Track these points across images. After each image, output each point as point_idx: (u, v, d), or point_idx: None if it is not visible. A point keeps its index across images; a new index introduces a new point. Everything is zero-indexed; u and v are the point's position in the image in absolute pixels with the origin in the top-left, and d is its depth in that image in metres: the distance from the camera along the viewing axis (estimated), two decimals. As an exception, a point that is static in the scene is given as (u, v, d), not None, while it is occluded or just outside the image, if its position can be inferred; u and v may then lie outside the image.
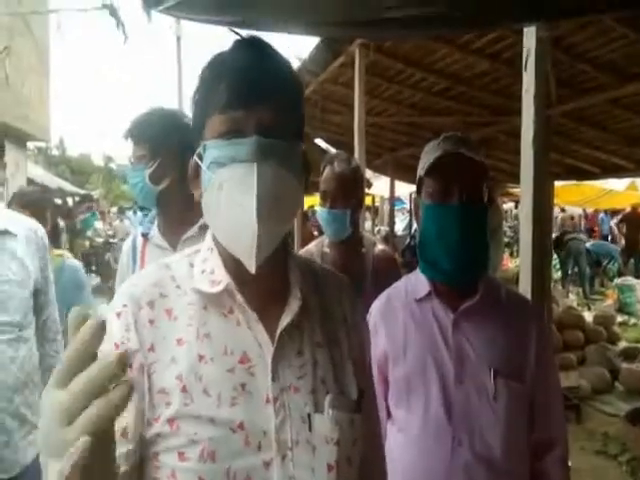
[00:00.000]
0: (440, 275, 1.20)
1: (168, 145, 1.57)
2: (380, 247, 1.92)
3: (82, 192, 17.10)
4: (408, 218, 14.14)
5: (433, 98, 5.43)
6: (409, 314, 1.25)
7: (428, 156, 1.21)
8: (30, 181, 9.56)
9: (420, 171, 1.22)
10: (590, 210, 14.03)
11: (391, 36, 2.91)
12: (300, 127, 0.78)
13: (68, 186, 16.13)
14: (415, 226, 13.30)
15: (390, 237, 9.60)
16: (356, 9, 1.53)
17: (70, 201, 15.22)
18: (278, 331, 0.74)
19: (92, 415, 0.44)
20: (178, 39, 15.32)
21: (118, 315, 0.73)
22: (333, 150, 10.27)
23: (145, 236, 1.64)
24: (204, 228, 1.55)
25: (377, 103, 5.94)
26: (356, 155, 4.73)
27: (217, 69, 0.74)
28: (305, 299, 0.77)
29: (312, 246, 1.94)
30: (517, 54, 4.22)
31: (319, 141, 8.70)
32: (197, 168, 0.76)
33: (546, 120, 2.35)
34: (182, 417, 0.69)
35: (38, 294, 1.76)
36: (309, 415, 0.73)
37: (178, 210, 1.60)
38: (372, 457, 0.86)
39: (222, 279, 0.75)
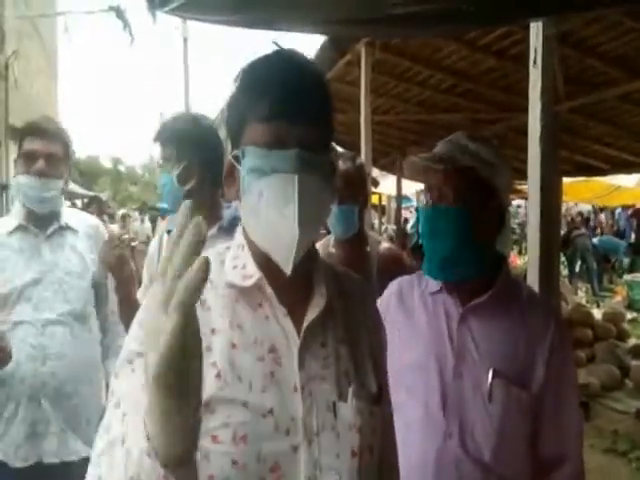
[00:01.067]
0: (440, 276, 1.22)
1: (194, 147, 1.65)
2: (385, 245, 1.92)
3: (90, 194, 17.17)
4: (416, 216, 14.15)
5: (440, 95, 5.42)
6: (422, 304, 1.27)
7: (419, 159, 1.22)
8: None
9: (407, 174, 1.26)
10: (599, 206, 13.94)
11: (397, 34, 2.91)
12: (332, 138, 0.82)
13: (77, 188, 16.24)
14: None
15: (397, 235, 9.59)
16: (361, 7, 1.54)
17: (79, 203, 15.34)
18: (304, 325, 0.78)
19: (180, 290, 0.50)
20: (185, 40, 15.38)
21: None
22: (340, 149, 10.27)
23: (170, 233, 1.71)
24: (223, 229, 1.64)
25: (384, 101, 5.94)
26: (362, 154, 4.73)
27: (258, 78, 0.77)
28: (329, 298, 0.81)
29: (318, 246, 1.95)
30: (524, 50, 4.21)
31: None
32: (233, 169, 0.80)
33: (554, 116, 2.34)
34: (217, 401, 0.72)
35: (98, 287, 1.89)
36: (334, 403, 0.77)
37: (202, 210, 1.63)
38: (388, 449, 0.90)
39: (253, 274, 0.79)
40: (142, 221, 13.37)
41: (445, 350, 1.19)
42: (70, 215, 1.89)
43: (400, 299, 1.30)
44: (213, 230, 1.63)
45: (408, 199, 14.95)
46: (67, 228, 1.84)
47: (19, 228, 1.78)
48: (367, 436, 0.78)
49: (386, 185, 11.95)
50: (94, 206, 13.66)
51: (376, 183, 11.63)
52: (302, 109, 0.74)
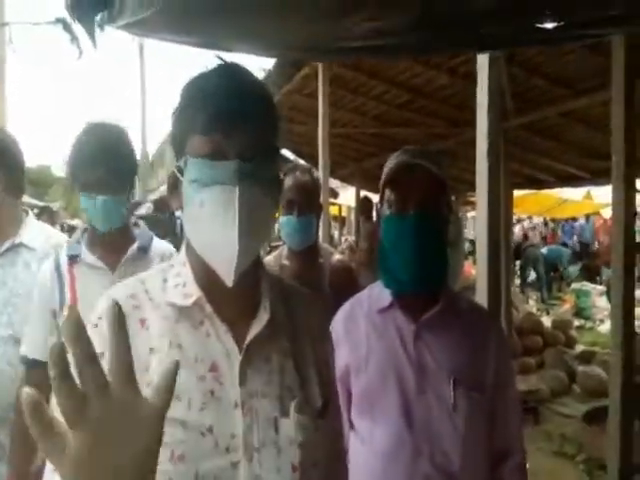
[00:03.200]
0: (398, 286, 1.22)
1: None
2: (337, 257, 1.94)
3: (41, 204, 16.49)
4: (375, 227, 14.27)
5: (396, 110, 5.55)
6: (371, 325, 1.25)
7: (388, 166, 1.23)
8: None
9: (381, 181, 1.24)
10: (548, 218, 14.51)
11: (350, 59, 2.96)
12: (276, 148, 0.82)
13: (26, 198, 15.63)
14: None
15: (356, 246, 9.66)
16: (316, 36, 1.56)
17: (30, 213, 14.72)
18: (247, 340, 0.78)
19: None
20: (141, 48, 15.15)
21: (95, 325, 0.77)
22: (300, 160, 10.31)
23: (74, 258, 1.55)
24: (142, 249, 1.59)
25: (342, 114, 6.03)
26: (320, 165, 4.78)
27: (199, 91, 0.78)
28: (274, 312, 0.81)
29: (270, 258, 1.95)
30: (473, 68, 4.38)
31: (284, 151, 8.75)
32: (176, 180, 0.81)
33: (501, 132, 2.44)
34: None
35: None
36: (275, 419, 0.77)
37: (117, 229, 1.58)
38: (334, 464, 0.90)
39: (193, 292, 0.79)
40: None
41: (404, 368, 1.18)
42: (31, 231, 1.76)
43: (346, 325, 1.28)
44: (131, 252, 1.56)
45: (367, 210, 15.11)
46: (22, 245, 1.72)
47: None
48: (309, 450, 0.78)
49: (345, 196, 12.08)
50: (45, 216, 13.13)
51: (335, 194, 11.74)
52: (241, 121, 0.75)
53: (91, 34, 1.19)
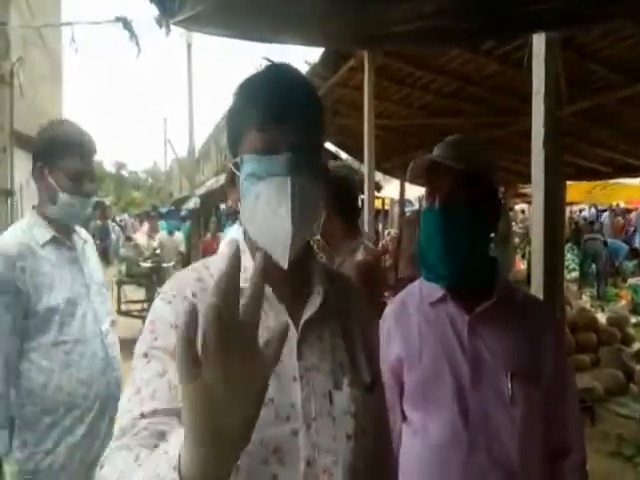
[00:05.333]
0: (436, 280, 1.22)
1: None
2: (359, 255, 1.90)
3: (95, 199, 16.95)
4: (419, 221, 14.10)
5: (443, 100, 5.43)
6: (423, 317, 1.25)
7: (419, 161, 1.24)
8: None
9: (407, 177, 1.27)
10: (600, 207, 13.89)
11: (398, 47, 2.91)
12: (323, 142, 0.91)
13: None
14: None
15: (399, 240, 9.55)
16: (364, 24, 1.55)
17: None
18: (303, 319, 0.86)
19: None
20: (189, 46, 15.43)
21: (169, 302, 0.85)
22: (343, 154, 10.27)
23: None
24: None
25: (387, 106, 5.95)
26: (365, 158, 4.74)
27: (252, 91, 0.86)
28: (326, 296, 0.89)
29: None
30: (525, 55, 4.22)
31: (328, 145, 8.72)
32: (233, 177, 0.88)
33: (556, 121, 2.35)
34: None
35: None
36: (330, 391, 0.84)
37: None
38: (382, 435, 0.99)
39: None
40: (170, 232, 9.80)
41: (458, 360, 1.17)
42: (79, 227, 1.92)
43: (398, 318, 1.29)
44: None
45: (411, 203, 14.96)
46: (85, 241, 1.89)
47: (53, 240, 1.73)
48: (361, 421, 0.85)
49: (389, 189, 11.97)
50: (98, 211, 13.59)
51: (379, 187, 11.62)
52: (291, 117, 0.82)
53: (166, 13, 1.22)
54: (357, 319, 0.95)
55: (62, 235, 1.77)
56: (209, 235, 7.81)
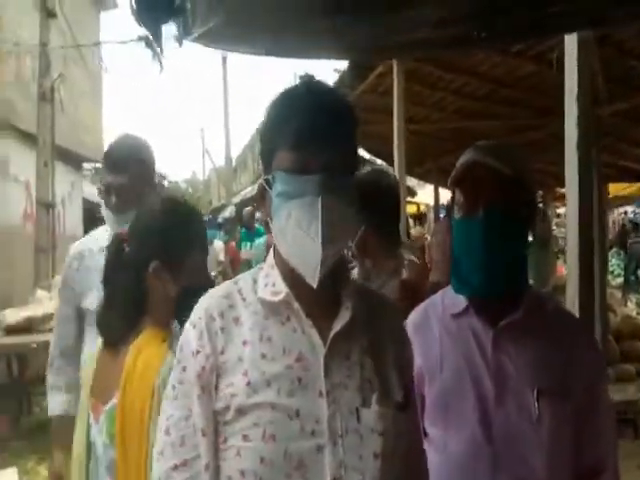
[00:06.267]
0: (468, 290, 1.16)
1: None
2: (412, 259, 1.82)
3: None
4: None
5: (477, 103, 5.32)
6: (445, 330, 1.19)
7: (456, 166, 1.18)
8: (86, 200, 10.00)
9: (449, 181, 1.19)
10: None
11: (422, 55, 2.86)
12: (357, 160, 0.91)
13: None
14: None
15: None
16: (387, 33, 1.51)
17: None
18: (330, 335, 0.85)
19: None
20: (224, 59, 15.72)
21: (194, 326, 0.88)
22: (376, 160, 10.21)
23: None
24: None
25: (419, 110, 5.87)
26: (396, 163, 4.69)
27: (286, 109, 0.86)
28: (355, 312, 0.88)
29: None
30: (561, 54, 4.09)
31: (361, 152, 8.68)
32: (264, 192, 0.89)
33: (593, 121, 2.25)
34: (248, 406, 0.81)
35: None
36: (357, 409, 0.83)
37: None
38: (415, 455, 0.96)
39: (282, 290, 0.87)
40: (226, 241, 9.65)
41: (481, 376, 1.12)
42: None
43: (418, 329, 1.22)
44: None
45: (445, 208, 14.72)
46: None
47: None
48: (390, 440, 0.84)
49: (423, 194, 11.82)
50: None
51: (413, 193, 11.50)
52: (325, 137, 0.82)
53: (157, 39, 1.22)
54: (390, 336, 0.93)
55: None
56: (232, 242, 7.89)
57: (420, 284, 1.83)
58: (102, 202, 1.79)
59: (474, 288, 1.14)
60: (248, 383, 0.82)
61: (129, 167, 1.75)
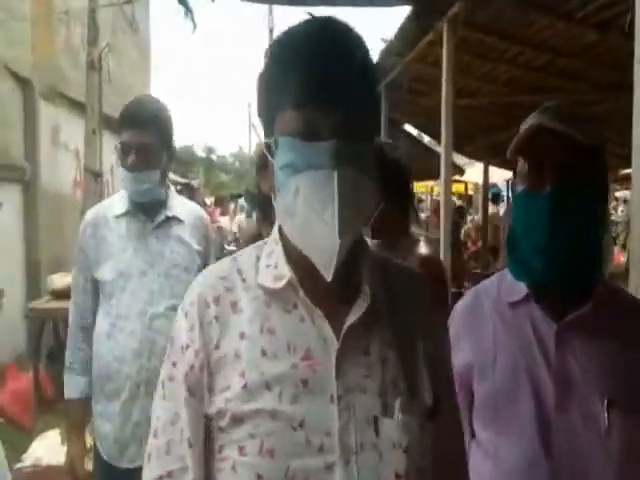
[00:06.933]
0: (529, 277, 1.01)
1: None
2: (422, 249, 1.69)
3: (182, 181, 17.55)
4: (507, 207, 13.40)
5: (532, 74, 4.96)
6: (500, 320, 1.05)
7: (520, 131, 1.01)
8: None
9: (510, 148, 1.02)
10: None
11: None
12: (377, 122, 0.75)
13: (170, 175, 16.85)
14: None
15: (482, 227, 9.11)
16: None
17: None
18: (345, 327, 0.71)
19: None
20: (270, 31, 15.54)
21: (186, 315, 0.76)
22: (425, 137, 9.88)
23: None
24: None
25: (469, 82, 5.55)
26: (442, 139, 4.45)
27: (288, 55, 0.69)
28: (375, 297, 0.73)
29: None
30: (632, 22, 3.72)
31: (408, 127, 8.40)
32: (266, 161, 0.73)
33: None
34: (243, 413, 0.69)
35: None
36: (376, 418, 0.69)
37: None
38: (449, 472, 0.79)
39: (285, 274, 0.73)
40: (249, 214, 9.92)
41: (541, 377, 0.97)
42: (177, 205, 1.83)
43: (468, 318, 1.09)
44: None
45: (499, 188, 14.17)
46: (174, 218, 1.79)
47: (127, 214, 1.75)
48: (416, 456, 0.69)
49: (472, 173, 11.39)
50: (185, 193, 14.06)
51: (462, 171, 11.13)
52: (338, 92, 0.65)
53: None
54: (420, 324, 0.78)
55: (138, 209, 1.75)
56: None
57: (438, 263, 1.76)
58: (118, 162, 1.73)
59: (536, 275, 0.99)
60: (245, 386, 0.70)
61: (150, 126, 1.68)
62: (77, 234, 1.78)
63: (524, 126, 1.02)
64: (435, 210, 11.60)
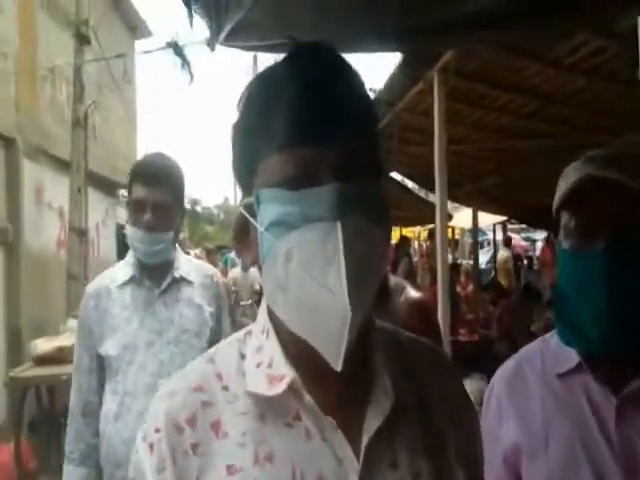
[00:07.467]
0: (584, 344, 0.89)
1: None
2: (410, 293, 1.56)
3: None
4: (492, 250, 13.46)
5: (522, 121, 5.03)
6: (549, 393, 0.93)
7: (565, 182, 0.91)
8: (120, 226, 10.04)
9: (555, 202, 0.93)
10: None
11: (472, 41, 2.59)
12: (381, 160, 0.59)
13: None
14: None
15: (473, 270, 9.07)
16: (438, 10, 1.30)
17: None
18: (364, 440, 0.55)
19: None
20: (254, 58, 15.76)
21: (151, 447, 0.57)
22: (409, 184, 9.95)
23: None
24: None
25: (458, 130, 5.60)
26: (437, 186, 4.42)
27: (273, 91, 0.55)
28: (397, 391, 0.58)
29: None
30: (618, 68, 3.80)
31: (395, 175, 8.44)
32: (247, 225, 0.59)
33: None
34: None
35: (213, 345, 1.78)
36: None
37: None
38: None
39: (285, 374, 0.57)
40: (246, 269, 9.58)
41: (603, 458, 0.85)
42: (184, 264, 1.72)
43: (512, 390, 0.97)
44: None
45: (483, 233, 14.29)
46: (182, 280, 1.67)
47: (132, 280, 1.64)
48: None
49: (459, 218, 11.47)
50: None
51: (450, 217, 11.17)
52: (337, 126, 0.53)
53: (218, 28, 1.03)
54: (447, 410, 0.64)
55: (144, 273, 1.63)
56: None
57: (429, 305, 1.69)
58: (129, 221, 1.62)
59: (593, 342, 0.88)
60: None
61: (166, 183, 1.59)
62: (61, 296, 1.70)
63: (569, 179, 0.92)
64: (423, 255, 11.61)
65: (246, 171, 0.58)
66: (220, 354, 0.62)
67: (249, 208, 0.57)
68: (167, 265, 1.67)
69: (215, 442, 0.56)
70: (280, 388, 0.56)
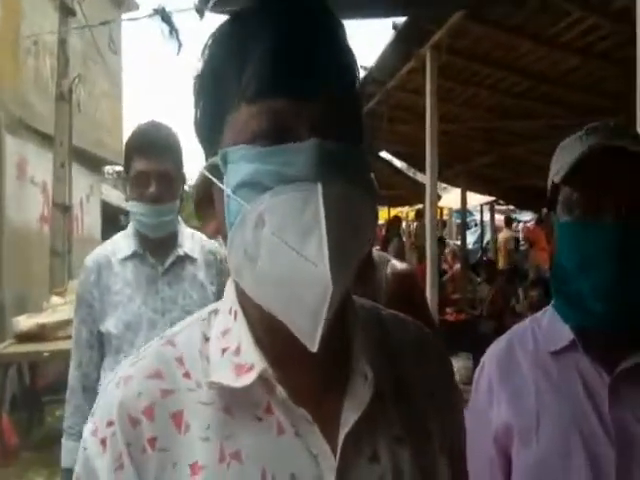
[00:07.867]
0: (587, 320, 0.87)
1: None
2: (395, 265, 1.55)
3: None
4: (479, 231, 13.51)
5: (514, 100, 5.00)
6: (541, 372, 0.91)
7: (566, 156, 0.87)
8: (105, 203, 9.89)
9: (553, 177, 0.89)
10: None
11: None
12: (362, 122, 0.52)
13: (141, 206, 16.60)
14: (488, 239, 12.48)
15: (461, 250, 9.12)
16: None
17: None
18: (342, 434, 0.50)
19: None
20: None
21: (103, 443, 0.49)
22: (398, 163, 9.90)
23: None
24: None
25: (449, 109, 5.56)
26: (427, 166, 4.39)
27: (243, 34, 0.47)
28: (378, 377, 0.52)
29: None
30: (613, 45, 3.77)
31: (383, 154, 8.39)
32: (210, 189, 0.51)
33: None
34: None
35: None
36: None
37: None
38: None
39: (254, 363, 0.50)
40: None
41: (596, 439, 0.84)
42: (187, 239, 1.64)
43: (503, 369, 0.94)
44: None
45: (471, 213, 14.32)
46: (186, 257, 1.60)
47: (134, 256, 1.57)
48: None
49: (447, 198, 11.47)
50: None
51: (438, 197, 11.15)
52: (315, 75, 0.46)
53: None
54: (430, 394, 0.58)
55: (147, 249, 1.57)
56: None
57: (415, 276, 1.68)
58: (129, 194, 1.54)
59: (595, 318, 0.86)
60: None
61: (168, 152, 1.52)
62: (44, 272, 1.62)
63: (573, 150, 0.87)
64: (410, 234, 11.62)
65: (211, 127, 0.50)
66: (181, 335, 0.55)
67: (214, 169, 0.49)
68: (171, 240, 1.60)
69: (176, 436, 0.50)
70: (248, 379, 0.49)
